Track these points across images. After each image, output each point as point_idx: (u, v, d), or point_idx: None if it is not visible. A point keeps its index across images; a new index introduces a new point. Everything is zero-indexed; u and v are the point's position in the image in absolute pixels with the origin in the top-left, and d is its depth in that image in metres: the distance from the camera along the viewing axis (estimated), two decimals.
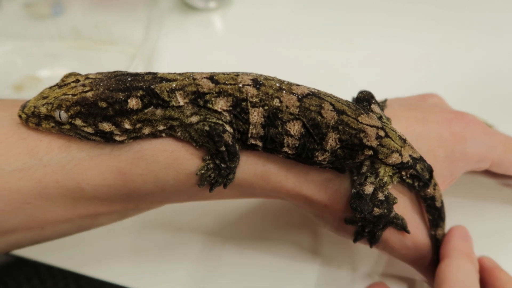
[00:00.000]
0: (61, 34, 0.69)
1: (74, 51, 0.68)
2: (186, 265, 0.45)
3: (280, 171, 0.35)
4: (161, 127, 0.32)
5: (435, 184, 0.36)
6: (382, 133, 0.33)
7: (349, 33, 0.69)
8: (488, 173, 0.45)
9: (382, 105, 0.39)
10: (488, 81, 0.59)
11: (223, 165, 0.33)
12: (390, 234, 0.36)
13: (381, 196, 0.33)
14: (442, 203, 0.37)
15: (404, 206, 0.36)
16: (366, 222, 0.35)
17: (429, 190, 0.36)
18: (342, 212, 0.35)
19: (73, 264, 0.46)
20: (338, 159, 0.33)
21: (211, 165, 0.33)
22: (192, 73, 0.33)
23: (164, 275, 0.44)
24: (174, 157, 0.33)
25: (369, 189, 0.33)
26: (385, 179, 0.34)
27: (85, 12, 0.73)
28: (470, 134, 0.39)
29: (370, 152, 0.33)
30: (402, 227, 0.35)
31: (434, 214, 0.37)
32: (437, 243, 0.38)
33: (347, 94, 0.38)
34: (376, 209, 0.33)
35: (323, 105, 0.32)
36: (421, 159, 0.35)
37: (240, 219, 0.48)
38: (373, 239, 0.36)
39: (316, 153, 0.33)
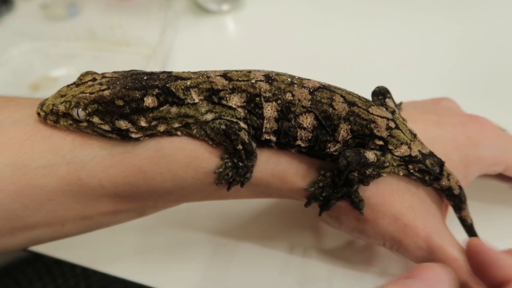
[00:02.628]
0: (77, 35, 0.70)
1: (90, 52, 0.69)
2: (198, 263, 0.45)
3: (298, 172, 0.35)
4: (176, 125, 0.33)
5: (449, 174, 0.37)
6: (392, 124, 0.34)
7: (362, 35, 0.70)
8: (501, 177, 0.45)
9: (398, 108, 0.39)
10: (501, 85, 0.59)
11: (240, 164, 0.33)
12: (404, 235, 0.36)
13: (370, 171, 0.33)
14: (460, 188, 0.37)
15: (419, 208, 0.36)
16: (327, 186, 0.35)
17: (444, 183, 0.37)
18: (358, 213, 0.36)
19: (85, 260, 0.46)
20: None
21: (229, 164, 0.33)
22: (206, 71, 0.34)
23: (176, 273, 0.45)
24: (193, 155, 0.34)
25: (370, 156, 0.33)
26: (387, 164, 0.34)
27: (100, 14, 0.74)
28: (484, 137, 0.39)
29: (381, 143, 0.34)
30: (357, 206, 0.35)
31: (454, 200, 0.38)
32: (464, 223, 0.39)
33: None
34: (355, 172, 0.33)
35: (334, 97, 0.33)
36: (431, 155, 0.36)
37: (254, 219, 0.48)
38: (325, 207, 0.36)
39: (329, 145, 0.33)
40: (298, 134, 0.33)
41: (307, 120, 0.33)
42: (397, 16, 0.73)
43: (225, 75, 0.33)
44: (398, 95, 0.42)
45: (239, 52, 0.69)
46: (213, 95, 0.33)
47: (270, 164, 0.35)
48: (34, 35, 0.71)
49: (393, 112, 0.36)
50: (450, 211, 0.41)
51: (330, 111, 0.33)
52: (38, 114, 0.33)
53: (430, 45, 0.66)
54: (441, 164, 0.36)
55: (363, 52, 0.67)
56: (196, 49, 0.71)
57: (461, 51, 0.65)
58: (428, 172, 0.36)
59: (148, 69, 0.57)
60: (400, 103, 0.41)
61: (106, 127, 0.32)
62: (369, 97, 0.38)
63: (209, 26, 0.75)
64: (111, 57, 0.68)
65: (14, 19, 0.76)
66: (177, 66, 0.67)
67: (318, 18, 0.74)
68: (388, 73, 0.62)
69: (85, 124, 0.32)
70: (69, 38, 0.70)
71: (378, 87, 0.37)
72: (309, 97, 0.33)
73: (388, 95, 0.37)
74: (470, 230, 0.40)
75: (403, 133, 0.34)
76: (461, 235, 0.39)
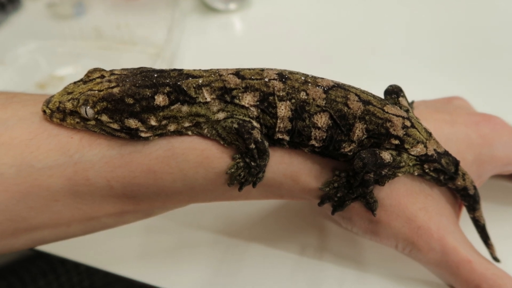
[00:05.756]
0: (83, 34, 0.70)
1: (96, 51, 0.69)
2: (207, 264, 0.45)
3: (311, 172, 0.35)
4: (186, 124, 0.32)
5: (464, 174, 0.36)
6: (408, 123, 0.33)
7: (372, 33, 0.69)
8: None
9: (410, 107, 0.39)
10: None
11: (253, 163, 0.32)
12: (418, 237, 0.35)
13: (386, 171, 0.33)
14: (474, 188, 0.37)
15: (433, 210, 0.36)
16: (342, 186, 0.34)
17: (459, 183, 0.36)
18: (371, 214, 0.35)
19: (90, 259, 0.46)
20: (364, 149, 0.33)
21: (241, 164, 0.33)
22: (218, 69, 0.33)
23: (185, 273, 0.44)
24: (204, 155, 0.33)
25: (386, 156, 0.32)
26: (403, 163, 0.34)
27: (107, 13, 0.74)
28: (497, 136, 0.39)
29: (397, 142, 0.33)
30: (370, 207, 0.35)
31: (469, 201, 0.38)
32: (477, 224, 0.39)
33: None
34: (371, 173, 0.32)
35: (348, 96, 0.32)
36: (446, 154, 0.35)
37: (264, 220, 0.47)
38: (339, 207, 0.35)
39: (343, 144, 0.33)
40: (312, 133, 0.32)
41: (322, 120, 0.32)
42: (408, 13, 0.72)
43: (237, 73, 0.33)
44: (408, 94, 0.42)
45: (246, 51, 0.69)
46: (225, 94, 0.32)
47: (282, 164, 0.34)
48: (41, 34, 0.71)
49: (407, 111, 0.35)
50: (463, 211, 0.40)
51: (345, 110, 0.32)
52: (44, 111, 0.32)
53: (440, 44, 0.66)
54: (456, 163, 0.35)
55: (373, 50, 0.66)
56: (203, 48, 0.70)
57: (472, 50, 0.64)
58: (443, 172, 0.35)
59: (156, 67, 0.57)
60: (412, 102, 0.41)
61: (115, 126, 0.31)
62: (381, 96, 0.37)
63: (216, 25, 0.75)
64: (117, 56, 0.68)
65: (21, 18, 0.76)
66: (184, 65, 0.66)
67: (326, 16, 0.74)
68: (398, 72, 0.61)
69: (93, 122, 0.31)
70: (76, 37, 0.70)
71: (391, 86, 0.37)
72: (324, 96, 0.32)
73: (402, 94, 0.36)
74: (482, 231, 0.40)
75: (418, 131, 0.34)
76: (472, 236, 0.39)
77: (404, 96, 0.37)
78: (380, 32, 0.69)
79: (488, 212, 0.41)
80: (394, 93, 0.36)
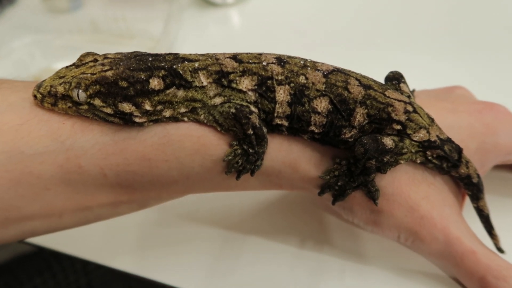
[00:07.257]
0: (80, 27, 0.69)
1: (92, 44, 0.68)
2: (205, 258, 0.44)
3: (311, 160, 0.34)
4: (182, 110, 0.31)
5: (467, 162, 0.35)
6: (410, 108, 0.33)
7: (372, 24, 0.69)
8: None
9: (412, 94, 0.38)
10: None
11: (251, 150, 0.32)
12: (420, 227, 0.34)
13: (388, 158, 0.32)
14: (478, 176, 0.36)
15: (436, 199, 0.35)
16: (343, 175, 0.33)
17: (462, 170, 0.35)
18: (372, 204, 0.35)
19: (88, 254, 0.45)
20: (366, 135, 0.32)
21: (239, 151, 0.32)
22: (214, 53, 0.32)
23: (182, 268, 0.43)
24: (201, 142, 0.32)
25: (388, 142, 0.32)
26: (405, 150, 0.33)
27: (103, 6, 0.74)
28: (501, 125, 0.38)
29: (399, 127, 0.32)
30: (372, 196, 0.34)
31: (473, 190, 0.37)
32: (481, 213, 0.38)
33: None
34: (373, 160, 0.32)
35: (349, 80, 0.32)
36: (448, 141, 0.34)
37: (262, 213, 0.47)
38: (340, 196, 0.34)
39: (344, 130, 0.32)
40: (312, 119, 0.32)
41: (322, 104, 0.31)
42: (408, 1, 0.71)
43: (235, 57, 0.32)
44: (409, 83, 0.41)
45: (244, 45, 0.67)
46: (222, 77, 0.31)
47: (281, 152, 0.33)
48: (36, 28, 0.70)
49: (408, 97, 0.34)
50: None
51: (346, 95, 0.31)
52: (35, 96, 0.31)
53: (442, 32, 0.65)
54: (459, 150, 0.35)
55: (373, 41, 0.66)
56: (200, 42, 0.70)
57: (475, 38, 0.64)
58: (446, 159, 0.34)
59: None
60: (413, 91, 0.40)
61: (108, 110, 0.30)
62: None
63: (213, 19, 0.75)
64: (114, 49, 0.66)
65: (16, 12, 0.75)
66: None
67: (324, 8, 0.73)
68: (398, 61, 0.60)
69: (85, 107, 0.30)
70: (72, 30, 0.70)
71: (391, 72, 0.36)
72: (323, 80, 0.31)
73: (403, 80, 0.36)
74: (486, 221, 0.39)
75: (421, 117, 0.33)
76: (475, 227, 0.38)
77: (405, 83, 0.36)
78: (380, 22, 0.69)
79: (491, 203, 0.40)
80: (395, 79, 0.36)
